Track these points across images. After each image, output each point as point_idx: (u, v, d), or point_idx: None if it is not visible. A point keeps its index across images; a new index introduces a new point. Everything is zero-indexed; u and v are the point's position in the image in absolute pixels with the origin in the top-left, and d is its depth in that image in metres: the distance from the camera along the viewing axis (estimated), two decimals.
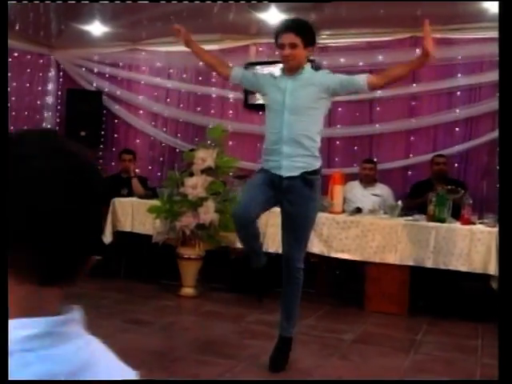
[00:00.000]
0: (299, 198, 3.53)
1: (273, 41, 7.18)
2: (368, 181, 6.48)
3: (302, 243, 3.68)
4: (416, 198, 6.10)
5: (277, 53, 3.73)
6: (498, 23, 6.03)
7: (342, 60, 7.06)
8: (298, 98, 3.50)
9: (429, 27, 3.45)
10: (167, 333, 4.58)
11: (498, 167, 3.73)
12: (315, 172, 3.55)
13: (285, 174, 3.50)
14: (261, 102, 6.20)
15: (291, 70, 3.59)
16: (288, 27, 3.52)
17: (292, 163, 3.49)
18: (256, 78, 3.82)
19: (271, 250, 5.66)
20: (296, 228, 3.61)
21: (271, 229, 5.68)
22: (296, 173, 3.49)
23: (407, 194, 6.53)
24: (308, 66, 3.65)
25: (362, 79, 3.54)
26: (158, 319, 4.88)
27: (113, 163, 8.03)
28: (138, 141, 8.14)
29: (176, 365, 3.76)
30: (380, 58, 6.86)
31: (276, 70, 7.03)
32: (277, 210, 5.78)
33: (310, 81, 3.55)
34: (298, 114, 3.49)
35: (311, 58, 6.95)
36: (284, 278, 3.66)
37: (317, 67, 3.79)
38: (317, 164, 3.57)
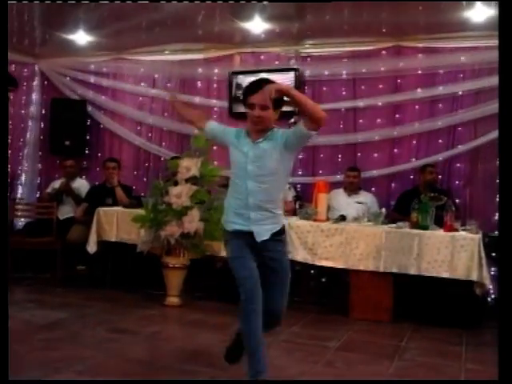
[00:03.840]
0: (277, 253, 3.48)
1: (257, 50, 7.32)
2: (352, 189, 6.52)
3: (286, 293, 3.54)
4: (402, 209, 6.08)
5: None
6: (480, 32, 6.15)
7: (325, 69, 7.11)
8: (260, 168, 3.36)
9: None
10: (152, 342, 4.57)
11: (498, 172, 3.83)
12: (282, 230, 3.52)
13: (258, 238, 3.41)
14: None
15: (257, 132, 3.38)
16: (260, 87, 3.28)
17: (262, 227, 3.42)
18: (224, 135, 3.60)
19: None
20: (283, 283, 3.51)
21: None
22: (266, 236, 3.42)
23: (394, 205, 6.54)
24: (274, 130, 3.40)
25: (301, 126, 3.26)
26: (143, 328, 4.87)
27: (97, 173, 8.02)
28: (122, 150, 8.12)
29: (160, 374, 3.75)
30: (363, 66, 6.92)
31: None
32: None
33: (270, 148, 3.35)
34: (261, 182, 3.36)
35: (294, 66, 7.09)
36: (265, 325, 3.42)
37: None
38: (281, 222, 3.53)
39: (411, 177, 6.77)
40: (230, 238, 3.51)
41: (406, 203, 6.01)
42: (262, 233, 3.42)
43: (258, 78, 3.50)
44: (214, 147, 6.69)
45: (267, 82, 3.34)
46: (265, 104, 3.26)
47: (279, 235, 3.49)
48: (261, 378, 3.27)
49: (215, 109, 7.56)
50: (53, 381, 3.55)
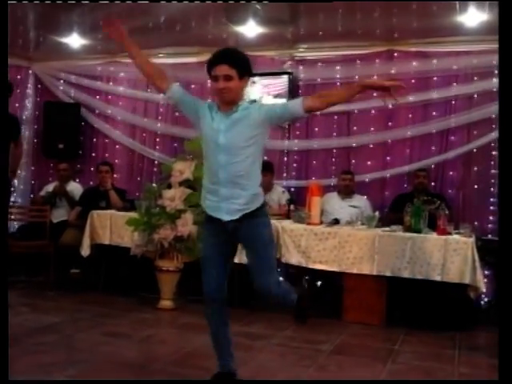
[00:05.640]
0: (249, 231, 3.31)
1: (251, 53, 7.27)
2: (346, 192, 6.53)
3: (271, 265, 3.35)
4: (396, 211, 6.12)
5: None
6: (473, 37, 6.18)
7: (319, 73, 7.13)
8: (232, 139, 3.23)
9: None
10: (145, 345, 4.56)
11: (497, 173, 3.86)
12: (257, 210, 3.32)
13: (225, 217, 3.28)
14: None
15: (226, 104, 3.27)
16: (222, 58, 3.24)
17: (231, 205, 3.27)
18: (195, 106, 3.40)
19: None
20: (258, 253, 3.34)
21: None
22: (236, 216, 3.27)
23: (389, 206, 6.58)
24: (244, 102, 3.33)
25: (298, 104, 3.28)
26: (137, 332, 4.86)
27: (91, 176, 8.01)
28: (116, 153, 8.12)
29: (154, 377, 3.74)
30: (356, 71, 6.94)
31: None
32: None
33: (243, 118, 3.25)
34: (233, 155, 3.23)
35: (288, 70, 7.12)
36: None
37: (252, 100, 3.45)
38: (257, 203, 3.33)
39: (404, 181, 6.78)
40: (205, 222, 3.46)
41: (401, 205, 6.02)
42: (231, 211, 3.28)
43: (220, 49, 3.39)
44: None
45: (230, 52, 3.34)
46: (228, 74, 3.19)
47: (254, 216, 3.31)
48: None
49: None
50: (53, 381, 3.55)
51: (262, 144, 3.35)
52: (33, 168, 8.53)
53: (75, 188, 7.38)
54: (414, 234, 5.39)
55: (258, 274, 3.30)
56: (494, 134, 6.24)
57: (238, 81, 3.23)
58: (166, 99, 3.51)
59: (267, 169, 6.65)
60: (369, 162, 6.96)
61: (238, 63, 3.24)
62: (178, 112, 7.56)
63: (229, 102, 3.27)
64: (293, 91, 7.05)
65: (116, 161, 7.88)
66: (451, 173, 6.67)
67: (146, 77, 3.52)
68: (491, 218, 6.36)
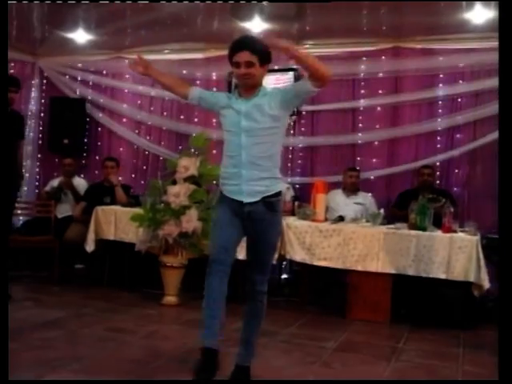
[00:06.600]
0: (262, 225, 3.38)
1: None
2: (351, 189, 6.52)
3: (266, 267, 3.50)
4: (401, 207, 6.11)
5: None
6: (479, 34, 6.15)
7: None
8: (254, 120, 3.33)
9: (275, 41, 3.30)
10: (149, 341, 4.56)
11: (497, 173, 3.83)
12: (276, 195, 3.41)
13: (245, 199, 3.35)
14: None
15: (247, 90, 3.40)
16: (244, 45, 3.35)
17: (252, 187, 3.34)
18: (215, 99, 3.58)
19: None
20: (259, 252, 3.46)
21: None
22: (257, 198, 3.35)
23: (393, 202, 6.58)
24: (264, 87, 3.44)
25: (305, 80, 3.31)
26: (141, 328, 4.86)
27: (96, 171, 8.02)
28: (121, 149, 8.13)
29: (158, 374, 3.74)
30: (362, 67, 6.93)
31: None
32: None
33: (264, 101, 3.35)
34: (255, 136, 3.33)
35: (293, 66, 7.10)
36: (248, 303, 3.56)
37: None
38: (277, 187, 3.42)
39: (410, 178, 6.77)
40: (220, 202, 3.49)
41: (406, 201, 6.01)
42: (252, 193, 3.34)
43: (242, 35, 3.55)
44: (213, 150, 6.70)
45: (251, 39, 3.45)
46: (250, 61, 3.30)
47: (272, 198, 3.38)
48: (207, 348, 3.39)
49: None
50: (53, 381, 3.55)
51: (282, 129, 3.44)
52: (38, 163, 8.54)
53: (80, 183, 7.39)
54: (419, 232, 5.38)
55: (253, 270, 3.45)
56: None
57: (259, 67, 3.33)
58: (186, 101, 3.70)
59: None
60: (374, 159, 6.96)
61: (259, 50, 3.32)
62: (185, 108, 7.61)
63: (250, 87, 3.38)
64: None
65: (121, 156, 7.87)
66: (457, 170, 6.66)
67: (167, 89, 3.77)
68: (496, 215, 6.34)
